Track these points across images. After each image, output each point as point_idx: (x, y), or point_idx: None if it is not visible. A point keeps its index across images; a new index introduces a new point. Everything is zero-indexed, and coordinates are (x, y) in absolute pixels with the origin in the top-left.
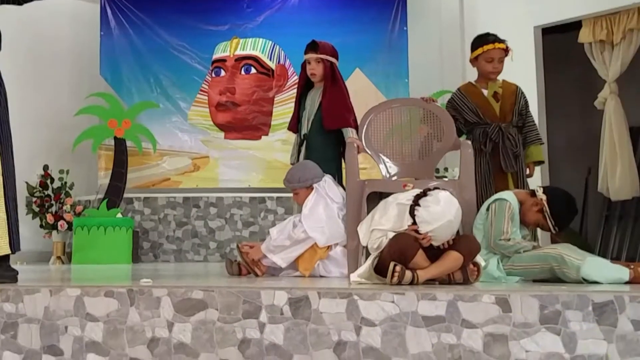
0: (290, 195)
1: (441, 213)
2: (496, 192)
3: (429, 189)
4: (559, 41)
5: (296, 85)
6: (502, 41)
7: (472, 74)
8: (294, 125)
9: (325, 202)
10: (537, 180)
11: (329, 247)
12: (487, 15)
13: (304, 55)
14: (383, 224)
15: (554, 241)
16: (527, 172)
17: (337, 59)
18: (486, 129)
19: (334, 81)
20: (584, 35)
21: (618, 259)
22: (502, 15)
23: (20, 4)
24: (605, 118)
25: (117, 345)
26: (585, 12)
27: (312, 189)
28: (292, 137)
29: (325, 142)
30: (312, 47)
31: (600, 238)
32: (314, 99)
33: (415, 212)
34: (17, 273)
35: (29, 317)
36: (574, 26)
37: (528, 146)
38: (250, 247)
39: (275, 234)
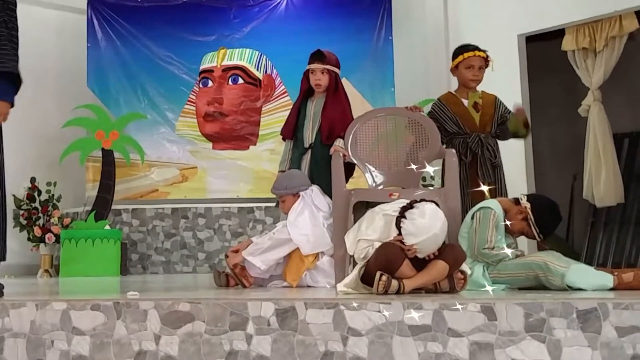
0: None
1: (427, 226)
2: (473, 203)
3: (416, 201)
4: (543, 49)
5: (284, 95)
6: (483, 51)
7: (457, 82)
8: (289, 131)
9: (311, 210)
10: (522, 186)
11: (316, 257)
12: (471, 23)
13: (309, 64)
14: (369, 234)
15: (540, 248)
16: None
17: (339, 69)
18: (466, 139)
19: (336, 92)
20: (567, 43)
21: (604, 264)
22: (486, 24)
23: None
24: (589, 125)
25: (103, 359)
26: (568, 20)
27: (299, 196)
28: (280, 147)
29: (328, 152)
30: (319, 56)
31: (586, 244)
32: (317, 108)
33: (401, 225)
34: (3, 287)
35: (15, 331)
36: (557, 34)
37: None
38: (234, 252)
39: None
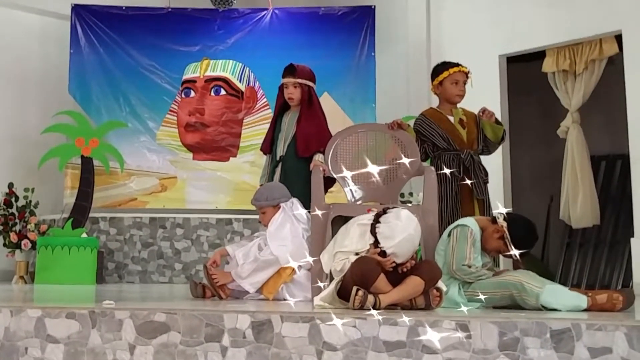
0: (257, 217)
1: (402, 227)
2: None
3: (389, 207)
4: (523, 70)
5: (265, 107)
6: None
7: (437, 101)
8: (267, 146)
9: (291, 222)
10: (499, 206)
11: (293, 271)
12: (453, 43)
13: (282, 78)
14: (346, 245)
15: (516, 267)
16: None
17: (314, 82)
18: (459, 154)
19: (310, 106)
20: (548, 65)
21: (579, 285)
22: (468, 44)
23: None
24: (567, 147)
25: None
26: (549, 42)
27: (279, 208)
28: (261, 159)
29: (301, 165)
30: (290, 71)
31: (561, 265)
32: (290, 122)
33: (377, 229)
34: None
35: None
36: (538, 56)
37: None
38: (215, 266)
39: (241, 258)
